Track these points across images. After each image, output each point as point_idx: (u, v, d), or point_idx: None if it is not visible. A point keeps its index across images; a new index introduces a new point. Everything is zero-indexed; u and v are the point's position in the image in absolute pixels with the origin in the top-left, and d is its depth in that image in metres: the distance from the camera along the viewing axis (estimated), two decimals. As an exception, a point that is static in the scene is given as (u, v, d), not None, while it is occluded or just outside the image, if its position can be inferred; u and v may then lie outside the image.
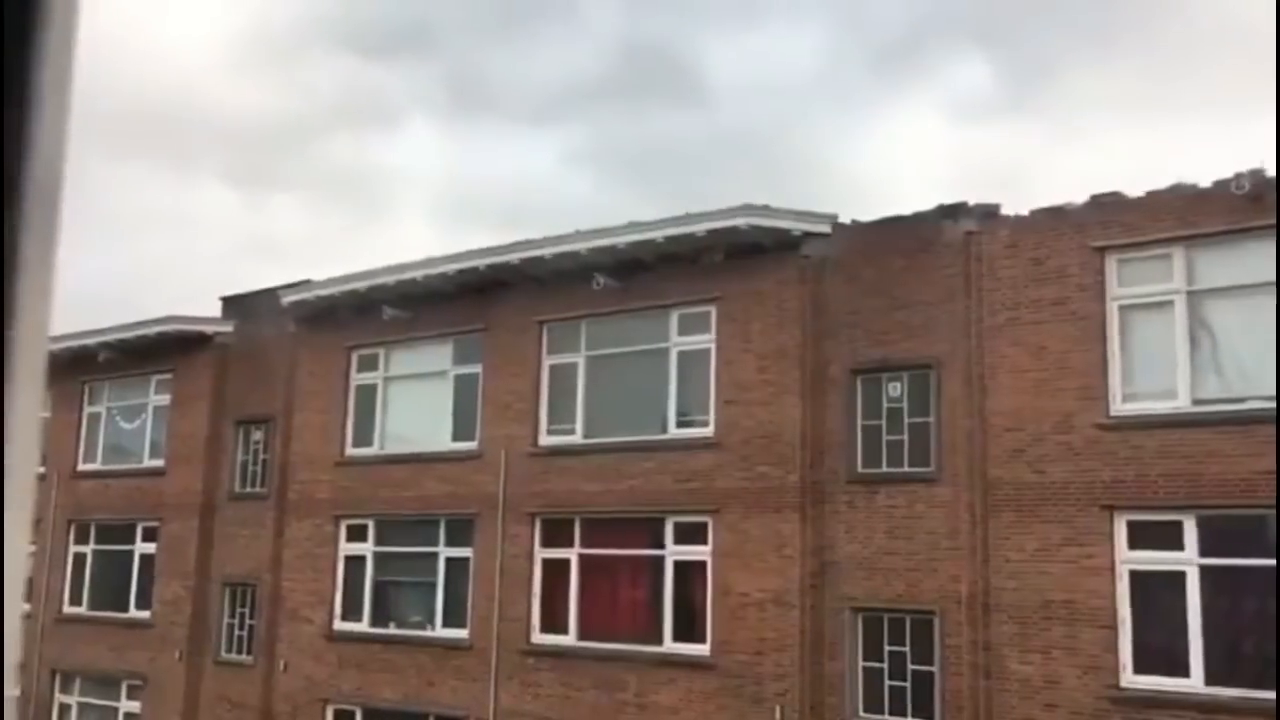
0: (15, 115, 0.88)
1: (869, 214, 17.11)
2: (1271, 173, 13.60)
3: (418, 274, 20.29)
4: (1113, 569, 14.33)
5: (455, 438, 20.44)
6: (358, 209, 57.68)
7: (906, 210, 16.66)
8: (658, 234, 17.65)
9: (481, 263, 19.56)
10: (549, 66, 54.31)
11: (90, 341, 24.23)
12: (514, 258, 19.18)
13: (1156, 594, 14.23)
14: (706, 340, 17.86)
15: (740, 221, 16.92)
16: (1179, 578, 14.04)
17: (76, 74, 0.92)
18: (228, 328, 24.05)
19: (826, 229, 16.99)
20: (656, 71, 53.15)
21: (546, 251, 18.77)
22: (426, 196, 57.28)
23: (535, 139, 55.86)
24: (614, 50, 53.85)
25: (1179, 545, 14.07)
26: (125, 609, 24.49)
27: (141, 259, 53.67)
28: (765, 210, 16.99)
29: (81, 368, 24.71)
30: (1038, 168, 43.03)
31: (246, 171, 58.80)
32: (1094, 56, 45.42)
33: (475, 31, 55.09)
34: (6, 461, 0.86)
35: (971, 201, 16.11)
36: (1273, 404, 13.43)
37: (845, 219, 17.17)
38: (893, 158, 45.81)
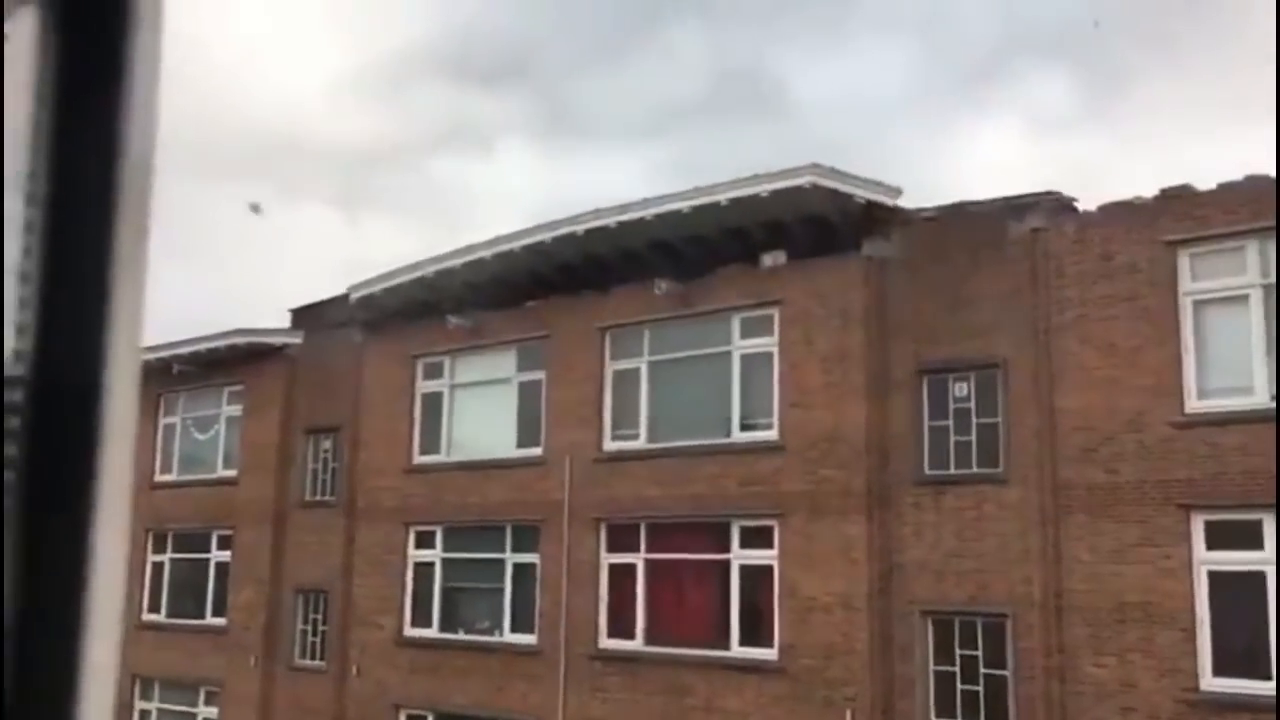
0: (105, 142, 0.91)
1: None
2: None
3: (485, 253, 20.33)
4: (1190, 569, 14.03)
5: (520, 444, 20.57)
6: (452, 228, 59.44)
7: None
8: (722, 196, 17.43)
9: (548, 235, 19.49)
10: (639, 90, 56.61)
11: (165, 354, 24.76)
12: (579, 228, 19.04)
13: (1236, 595, 13.90)
14: (769, 343, 17.79)
15: (804, 181, 16.64)
16: (1259, 578, 13.70)
17: (163, 97, 0.96)
18: (296, 339, 24.44)
19: (891, 201, 16.72)
20: (742, 91, 54.80)
21: (611, 220, 18.65)
22: (518, 215, 58.74)
23: (623, 158, 57.66)
24: (702, 73, 55.99)
25: (1258, 544, 13.73)
26: (202, 616, 24.98)
27: (244, 278, 56.01)
28: (831, 172, 16.72)
29: (156, 380, 25.25)
30: (1114, 177, 42.69)
31: (348, 194, 61.10)
32: (1169, 68, 45.12)
33: (570, 59, 57.69)
34: (104, 476, 0.89)
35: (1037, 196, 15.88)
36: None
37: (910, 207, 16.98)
38: (971, 169, 46.04)
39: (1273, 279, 14.03)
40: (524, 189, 57.76)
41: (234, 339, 24.39)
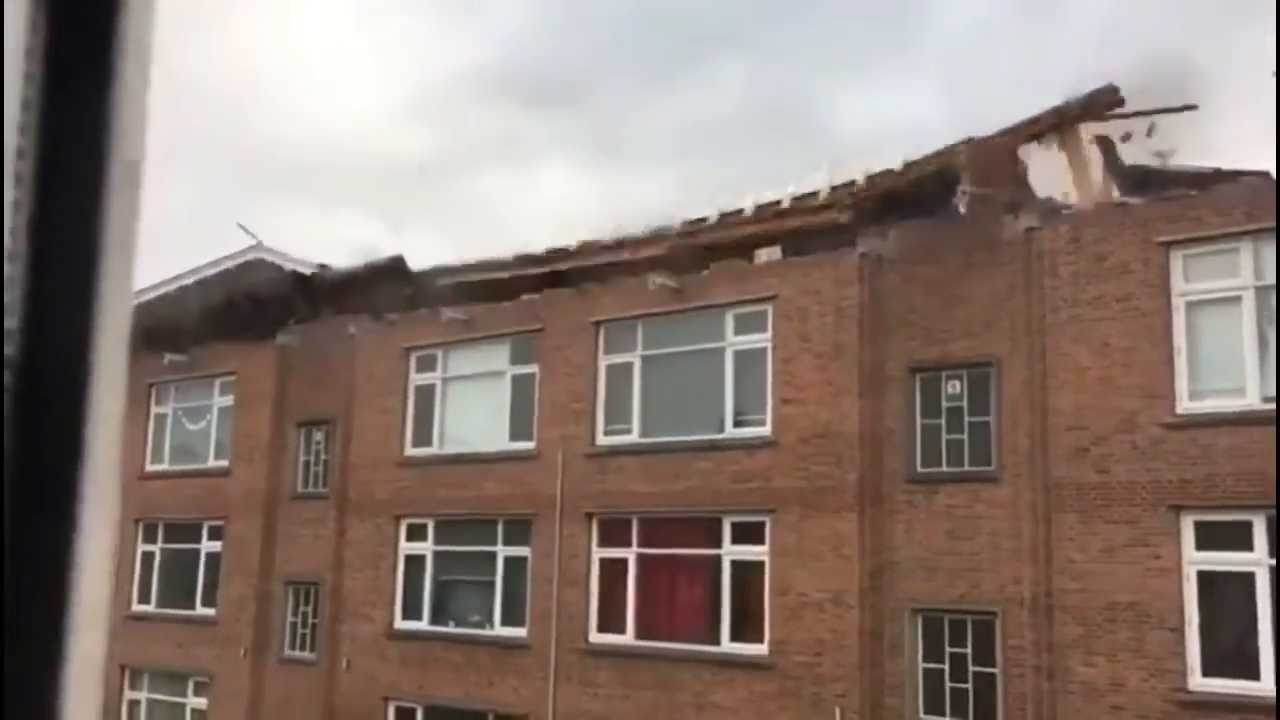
0: (95, 124, 0.90)
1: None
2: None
3: (473, 277, 20.50)
4: (1180, 570, 14.07)
5: (512, 438, 20.56)
6: (489, 238, 61.33)
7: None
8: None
9: (534, 269, 19.66)
10: (680, 112, 59.05)
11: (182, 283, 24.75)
12: (566, 266, 19.31)
13: (1225, 595, 13.95)
14: (763, 339, 17.80)
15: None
16: (1248, 579, 13.75)
17: (151, 96, 0.95)
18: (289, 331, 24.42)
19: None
20: (778, 116, 57.37)
21: (601, 259, 18.84)
22: (554, 228, 61.16)
23: (660, 177, 60.02)
24: (741, 99, 58.50)
25: (1248, 546, 13.78)
26: (192, 607, 24.94)
27: None
28: None
29: (148, 370, 25.18)
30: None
31: (391, 206, 63.41)
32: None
33: (615, 84, 60.94)
34: (90, 464, 0.88)
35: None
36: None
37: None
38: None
39: (1265, 281, 14.06)
40: (562, 204, 59.61)
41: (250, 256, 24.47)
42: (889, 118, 53.80)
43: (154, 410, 26.38)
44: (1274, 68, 12.26)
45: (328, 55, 59.90)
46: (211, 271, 25.11)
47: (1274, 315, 14.00)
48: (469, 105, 60.14)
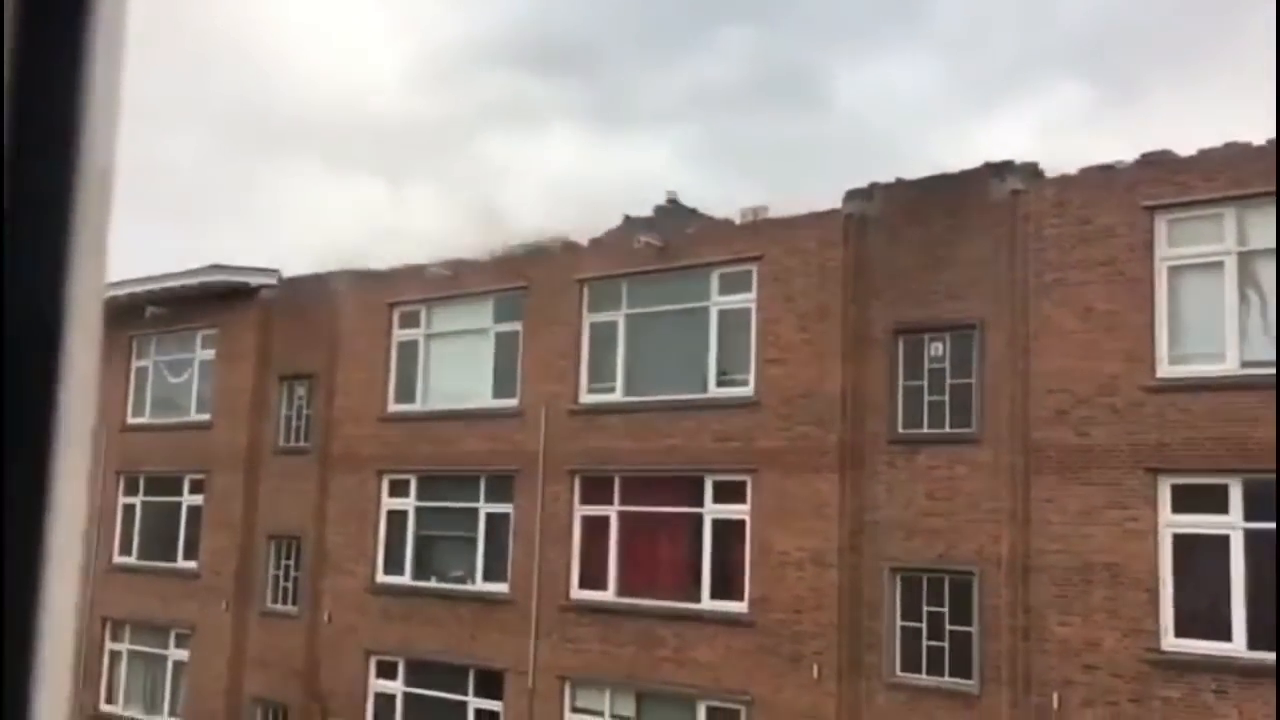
0: (70, 69, 0.88)
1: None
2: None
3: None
4: (1155, 532, 14.22)
5: (496, 395, 20.56)
6: (488, 200, 62.43)
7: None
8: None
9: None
10: (681, 82, 59.75)
11: (137, 290, 24.50)
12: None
13: (1199, 557, 14.11)
14: (747, 299, 17.80)
15: None
16: (1222, 541, 13.91)
17: (127, 48, 0.93)
18: (271, 281, 24.27)
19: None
20: (778, 86, 58.29)
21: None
22: (551, 189, 61.75)
23: (661, 143, 60.71)
24: (743, 68, 59.26)
25: (1224, 509, 13.93)
26: (173, 560, 24.97)
27: (286, 243, 59.13)
28: None
29: (128, 322, 25.03)
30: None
31: (395, 168, 63.90)
32: (1180, 78, 46.43)
33: (622, 52, 61.78)
34: (64, 417, 0.87)
35: (1018, 160, 15.89)
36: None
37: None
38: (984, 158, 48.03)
39: (1249, 246, 14.11)
40: (563, 169, 60.11)
41: (209, 278, 24.16)
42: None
43: (135, 363, 26.27)
44: (1275, 67, 12.32)
45: (337, 21, 60.34)
46: (169, 284, 24.80)
47: (1256, 281, 14.07)
48: (474, 70, 60.94)
